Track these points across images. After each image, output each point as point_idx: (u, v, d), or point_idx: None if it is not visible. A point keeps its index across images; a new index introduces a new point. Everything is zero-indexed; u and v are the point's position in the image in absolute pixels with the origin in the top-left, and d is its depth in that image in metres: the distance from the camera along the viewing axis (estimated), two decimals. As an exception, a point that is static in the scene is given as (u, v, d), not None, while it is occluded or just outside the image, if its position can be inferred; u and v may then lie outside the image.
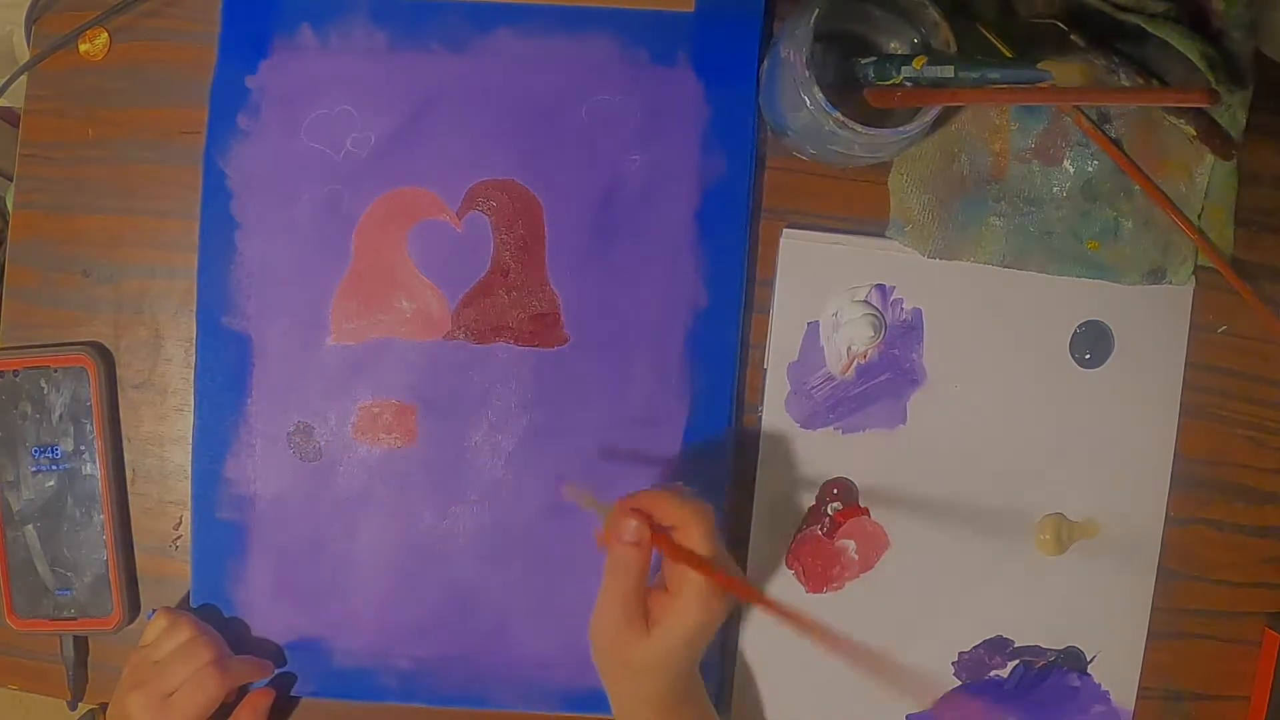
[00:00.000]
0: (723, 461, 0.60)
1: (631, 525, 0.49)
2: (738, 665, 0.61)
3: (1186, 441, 0.62)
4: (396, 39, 0.60)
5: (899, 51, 0.56)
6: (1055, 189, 0.60)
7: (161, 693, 0.54)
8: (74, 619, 0.60)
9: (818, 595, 0.61)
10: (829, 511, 0.61)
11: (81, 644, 0.61)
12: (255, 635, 0.60)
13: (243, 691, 0.59)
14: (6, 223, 0.64)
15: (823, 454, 0.61)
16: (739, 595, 0.49)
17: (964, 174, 0.60)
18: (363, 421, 0.60)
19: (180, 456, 0.61)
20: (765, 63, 0.59)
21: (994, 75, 0.50)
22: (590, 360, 0.60)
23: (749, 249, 0.60)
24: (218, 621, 0.60)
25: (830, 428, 0.61)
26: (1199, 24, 0.57)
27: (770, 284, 0.61)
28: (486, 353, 0.60)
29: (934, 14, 0.53)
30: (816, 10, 0.51)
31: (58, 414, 0.60)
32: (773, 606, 0.48)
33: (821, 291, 0.61)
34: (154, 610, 0.59)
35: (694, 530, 0.48)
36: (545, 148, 0.60)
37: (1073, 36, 0.57)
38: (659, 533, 0.49)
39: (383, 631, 0.60)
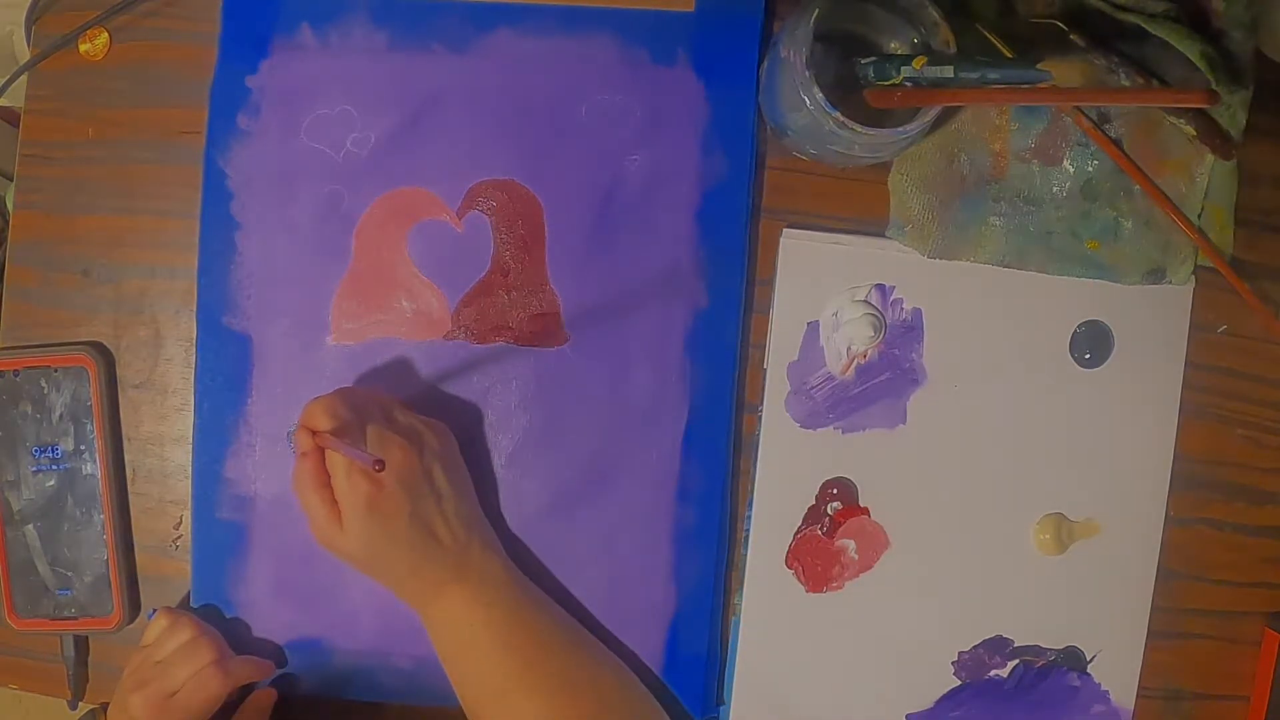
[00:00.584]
0: (723, 461, 0.60)
1: (297, 440, 0.53)
2: (738, 665, 0.61)
3: (1186, 441, 0.62)
4: (396, 39, 0.60)
5: (899, 51, 0.56)
6: (1055, 189, 0.60)
7: (164, 693, 0.54)
8: (74, 619, 0.60)
9: (818, 595, 0.61)
10: (829, 511, 0.61)
11: (82, 644, 0.62)
12: (256, 635, 0.60)
13: (244, 691, 0.59)
14: (6, 223, 0.64)
15: (823, 454, 0.61)
16: (349, 455, 0.52)
17: (964, 174, 0.60)
18: (363, 421, 0.60)
19: (180, 456, 0.61)
20: (765, 63, 0.59)
21: (994, 75, 0.50)
22: (590, 360, 0.60)
23: (749, 249, 0.60)
24: (218, 621, 0.60)
25: (830, 428, 0.61)
26: (1199, 24, 0.57)
27: (770, 284, 0.61)
28: (486, 353, 0.60)
29: (934, 14, 0.53)
30: (816, 10, 0.51)
31: (58, 414, 0.60)
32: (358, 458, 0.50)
33: (821, 291, 0.61)
34: (154, 610, 0.59)
35: (317, 420, 0.52)
36: (545, 148, 0.60)
37: (1073, 36, 0.57)
38: (320, 436, 0.52)
39: (383, 631, 0.60)
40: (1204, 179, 0.61)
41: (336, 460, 0.52)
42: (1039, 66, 0.49)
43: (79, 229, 0.62)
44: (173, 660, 0.55)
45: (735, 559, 0.61)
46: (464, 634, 0.54)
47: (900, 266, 0.61)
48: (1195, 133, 0.59)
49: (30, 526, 0.60)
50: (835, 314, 0.61)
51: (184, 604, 0.61)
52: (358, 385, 0.60)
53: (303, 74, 0.60)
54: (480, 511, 0.57)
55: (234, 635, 0.59)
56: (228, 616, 0.60)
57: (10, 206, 0.62)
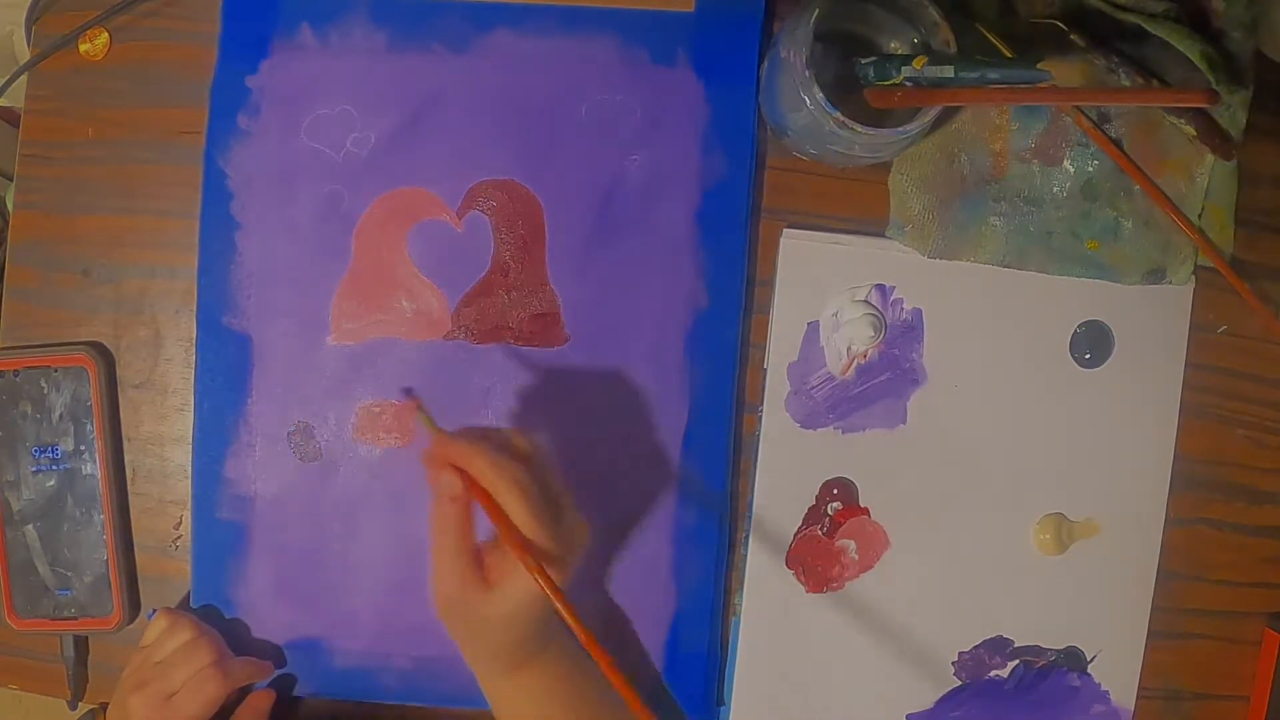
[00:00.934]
0: (722, 461, 0.60)
1: (446, 481, 0.47)
2: (738, 665, 0.61)
3: (1186, 441, 0.62)
4: (396, 39, 0.60)
5: (899, 51, 0.56)
6: (1055, 189, 0.60)
7: (163, 694, 0.54)
8: (74, 619, 0.60)
9: (818, 595, 0.61)
10: (829, 511, 0.61)
11: (81, 644, 0.62)
12: (255, 635, 0.60)
13: (244, 692, 0.59)
14: (6, 223, 0.64)
15: (823, 454, 0.61)
16: (535, 578, 0.46)
17: (964, 174, 0.60)
18: (363, 421, 0.60)
19: (180, 456, 0.61)
20: (765, 63, 0.59)
21: (994, 75, 0.50)
22: (590, 360, 0.60)
23: (749, 249, 0.60)
24: (218, 621, 0.60)
25: (830, 428, 0.61)
26: (1199, 24, 0.57)
27: (770, 284, 0.61)
28: (486, 353, 0.60)
29: (934, 14, 0.53)
30: (816, 10, 0.51)
31: (58, 414, 0.60)
32: (565, 611, 0.46)
33: (821, 291, 0.61)
34: (154, 610, 0.59)
35: (506, 501, 0.47)
36: (545, 148, 0.60)
37: (1073, 36, 0.57)
38: (478, 489, 0.47)
39: (383, 631, 0.60)
40: (1204, 179, 0.61)
41: (516, 523, 0.47)
42: (1039, 66, 0.49)
43: (79, 229, 0.61)
44: (172, 661, 0.55)
45: (735, 559, 0.61)
46: (527, 706, 0.52)
47: (900, 266, 0.61)
48: (1195, 133, 0.59)
49: (30, 526, 0.60)
50: (835, 314, 0.60)
51: (184, 604, 0.61)
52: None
53: (303, 74, 0.60)
54: None
55: (234, 635, 0.59)
56: (227, 617, 0.60)
57: (10, 206, 0.62)
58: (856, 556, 0.61)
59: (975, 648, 0.62)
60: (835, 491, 0.61)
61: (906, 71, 0.52)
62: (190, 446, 0.60)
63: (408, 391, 0.59)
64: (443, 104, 0.60)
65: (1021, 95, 0.51)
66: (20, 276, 0.62)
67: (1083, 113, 0.60)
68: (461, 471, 0.48)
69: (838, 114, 0.51)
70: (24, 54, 0.63)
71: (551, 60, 0.60)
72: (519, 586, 0.47)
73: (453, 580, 0.48)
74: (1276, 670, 0.62)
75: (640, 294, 0.60)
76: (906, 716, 0.62)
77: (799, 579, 0.61)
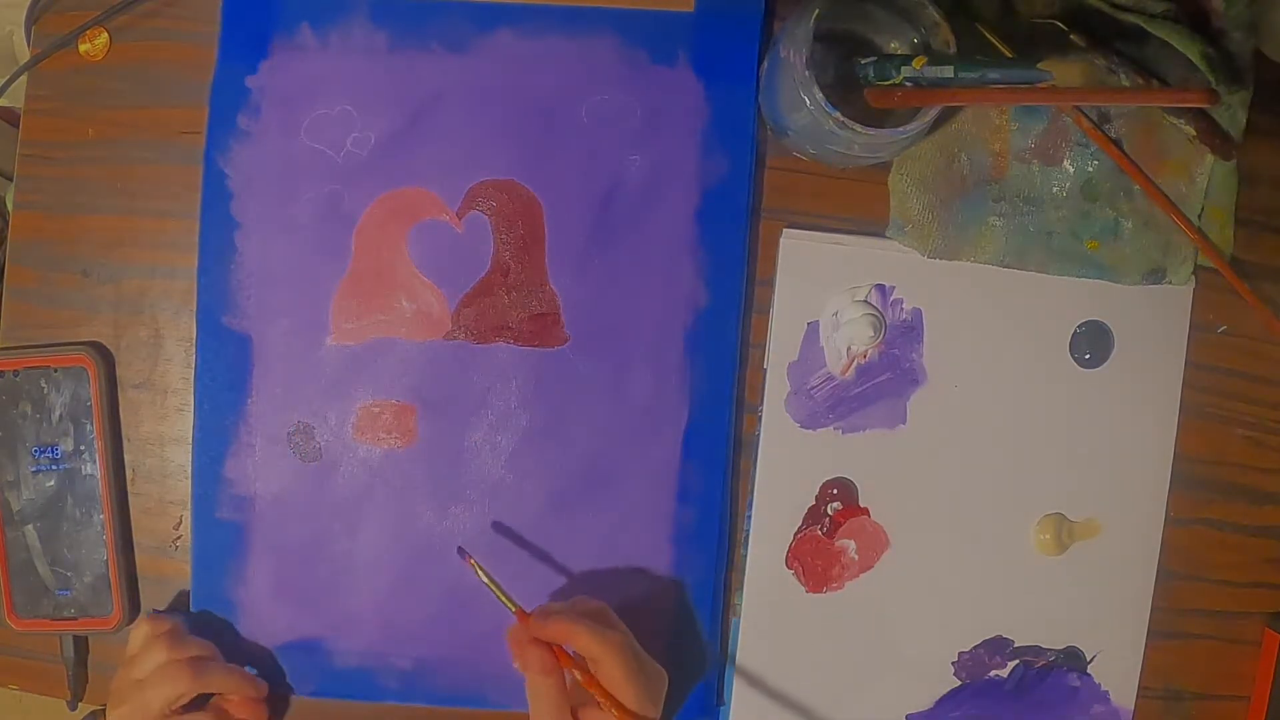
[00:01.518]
0: (722, 461, 0.60)
1: (536, 656, 0.50)
2: (738, 665, 0.61)
3: (1186, 441, 0.62)
4: (396, 39, 0.60)
5: (899, 51, 0.56)
6: (1055, 189, 0.60)
7: (142, 714, 0.54)
8: (74, 619, 0.60)
9: (818, 595, 0.61)
10: (829, 511, 0.61)
11: (81, 644, 0.61)
12: (255, 635, 0.60)
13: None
14: (6, 223, 0.64)
15: (823, 454, 0.61)
16: None
17: (964, 174, 0.60)
18: (363, 421, 0.60)
19: (180, 456, 0.61)
20: (765, 63, 0.59)
21: (994, 75, 0.50)
22: (590, 360, 0.60)
23: (749, 249, 0.60)
24: (218, 622, 0.60)
25: (830, 428, 0.61)
26: (1199, 24, 0.57)
27: (770, 284, 0.61)
28: (486, 353, 0.60)
29: (934, 14, 0.53)
30: (816, 10, 0.51)
31: (58, 414, 0.60)
32: None
33: (821, 291, 0.61)
34: (154, 611, 0.58)
35: (611, 670, 0.49)
36: (545, 148, 0.60)
37: (1073, 36, 0.57)
38: (576, 662, 0.50)
39: (383, 631, 0.60)
40: (1204, 179, 0.61)
41: (618, 687, 0.49)
42: (1039, 66, 0.49)
43: (79, 229, 0.61)
44: (150, 682, 0.54)
45: (735, 559, 0.61)
46: None
47: (900, 266, 0.61)
48: (1195, 133, 0.59)
49: (30, 526, 0.60)
50: (835, 314, 0.61)
51: (184, 605, 0.61)
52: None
53: (303, 74, 0.60)
54: None
55: (234, 636, 0.59)
56: (228, 618, 0.60)
57: (10, 206, 0.62)
58: (856, 556, 0.61)
59: (975, 648, 0.62)
60: (835, 491, 0.61)
61: (906, 71, 0.52)
62: (190, 446, 0.60)
63: (461, 551, 0.56)
64: (443, 104, 0.60)
65: (1021, 95, 0.51)
66: (20, 276, 0.62)
67: (1083, 113, 0.60)
68: (545, 644, 0.50)
69: (838, 114, 0.51)
70: (24, 54, 0.63)
71: (551, 60, 0.60)
72: None
73: None
74: (1276, 670, 0.62)
75: (640, 294, 0.60)
76: (906, 716, 0.62)
77: (799, 579, 0.61)
